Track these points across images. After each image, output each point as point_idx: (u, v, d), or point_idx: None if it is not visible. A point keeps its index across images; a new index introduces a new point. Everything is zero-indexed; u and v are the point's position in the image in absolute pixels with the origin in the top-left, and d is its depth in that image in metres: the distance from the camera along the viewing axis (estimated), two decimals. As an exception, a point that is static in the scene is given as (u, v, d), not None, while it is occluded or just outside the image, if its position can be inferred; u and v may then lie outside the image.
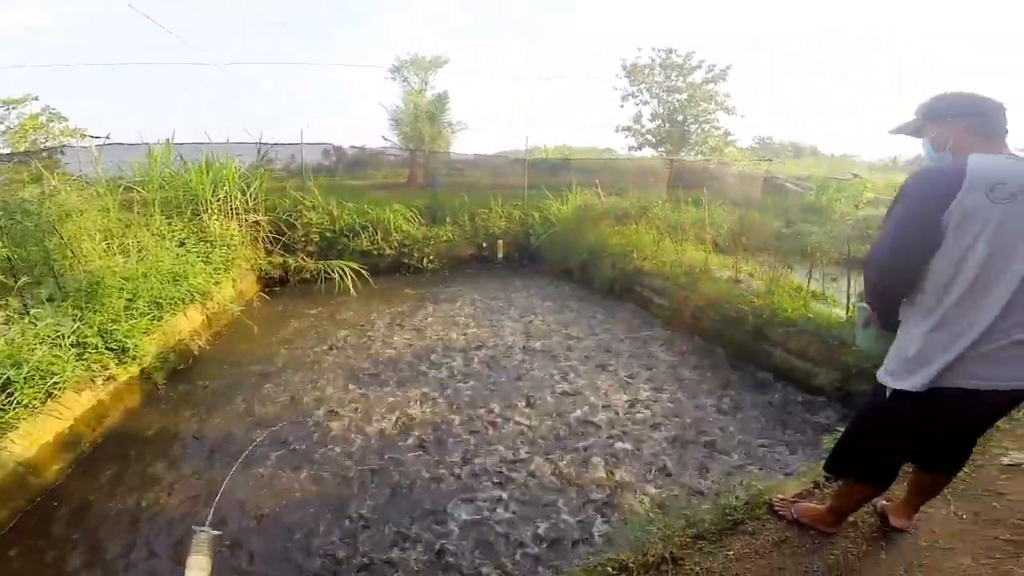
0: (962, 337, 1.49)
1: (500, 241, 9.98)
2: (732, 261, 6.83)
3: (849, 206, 12.65)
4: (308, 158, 10.46)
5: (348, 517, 3.13)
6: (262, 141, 9.50)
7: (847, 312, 4.92)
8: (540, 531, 3.00)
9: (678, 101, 23.52)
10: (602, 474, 3.49)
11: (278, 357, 5.70)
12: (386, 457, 3.75)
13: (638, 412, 4.35)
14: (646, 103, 24.08)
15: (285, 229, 8.71)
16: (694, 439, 3.92)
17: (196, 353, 5.70)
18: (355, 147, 12.77)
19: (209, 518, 2.29)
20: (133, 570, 2.81)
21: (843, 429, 2.09)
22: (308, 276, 8.38)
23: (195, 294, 6.28)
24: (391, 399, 4.64)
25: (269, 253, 8.47)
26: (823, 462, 2.36)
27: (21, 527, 3.12)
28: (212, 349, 5.97)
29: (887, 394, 1.70)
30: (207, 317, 6.41)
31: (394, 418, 4.29)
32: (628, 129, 24.73)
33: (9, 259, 5.06)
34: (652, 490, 3.31)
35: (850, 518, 2.22)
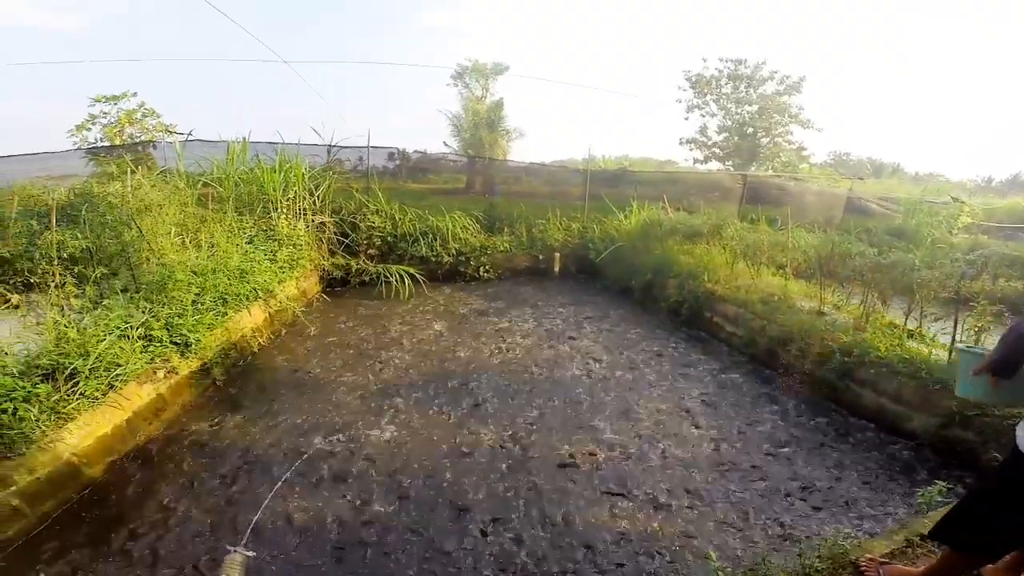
0: None
1: (557, 254, 9.71)
2: (816, 290, 6.25)
3: (943, 231, 11.51)
4: (374, 161, 10.61)
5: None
6: (332, 143, 9.71)
7: (950, 355, 4.38)
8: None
9: (748, 113, 22.54)
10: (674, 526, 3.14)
11: (334, 359, 5.69)
12: (426, 481, 3.56)
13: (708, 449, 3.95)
14: (713, 115, 23.24)
15: (349, 231, 8.85)
16: (776, 482, 3.49)
17: (256, 350, 5.79)
18: (418, 152, 12.92)
19: (245, 538, 2.16)
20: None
21: (960, 492, 1.87)
22: (368, 279, 8.44)
23: (259, 291, 6.40)
24: (442, 416, 4.46)
25: (332, 254, 8.62)
26: (916, 518, 2.37)
27: (64, 519, 3.13)
28: (272, 347, 6.05)
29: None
30: (269, 315, 6.52)
31: (454, 440, 4.11)
32: (693, 141, 23.91)
33: (90, 250, 5.32)
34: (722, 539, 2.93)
35: None
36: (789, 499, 3.41)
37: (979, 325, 4.46)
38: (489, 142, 18.90)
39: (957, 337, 4.48)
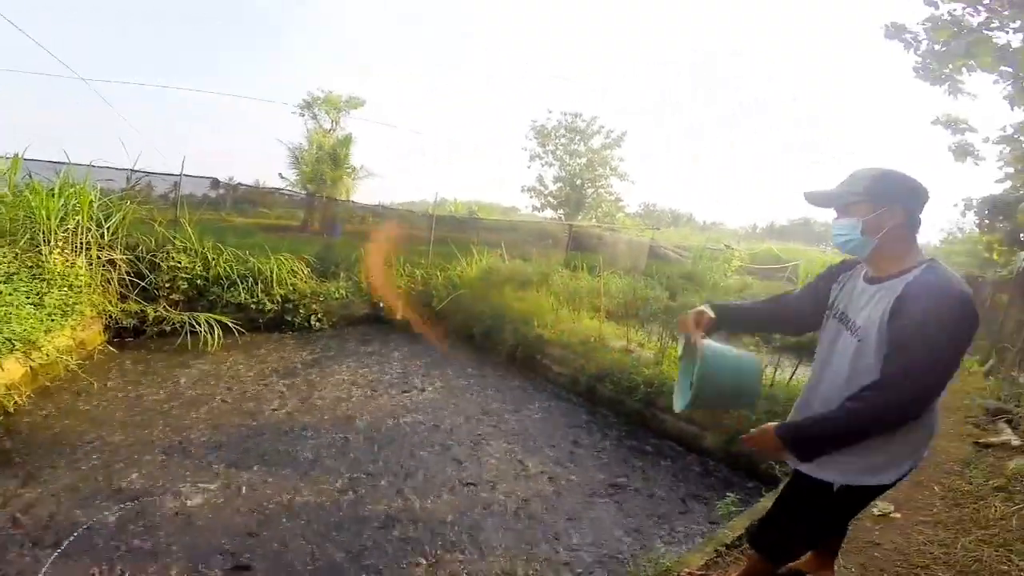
0: (933, 435, 1.63)
1: (399, 302, 9.48)
2: (625, 331, 7.19)
3: (720, 275, 14.26)
4: (194, 190, 9.43)
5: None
6: (135, 168, 8.41)
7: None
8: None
9: (578, 165, 25.26)
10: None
11: (113, 420, 4.78)
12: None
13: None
14: (551, 165, 25.59)
15: (147, 271, 7.56)
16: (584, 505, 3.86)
17: (11, 410, 4.63)
18: (244, 184, 11.88)
19: None
20: None
21: (769, 506, 2.11)
22: (169, 328, 7.25)
23: (16, 342, 5.16)
24: (251, 484, 4.02)
25: (124, 299, 7.26)
26: (722, 528, 2.60)
27: None
28: (36, 406, 4.89)
29: (836, 487, 1.63)
30: (31, 369, 5.28)
31: (252, 507, 3.70)
32: (532, 190, 25.97)
33: None
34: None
35: None
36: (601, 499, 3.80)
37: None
38: (332, 179, 18.17)
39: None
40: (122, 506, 3.49)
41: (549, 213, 25.03)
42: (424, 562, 3.24)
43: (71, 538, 3.00)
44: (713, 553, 2.70)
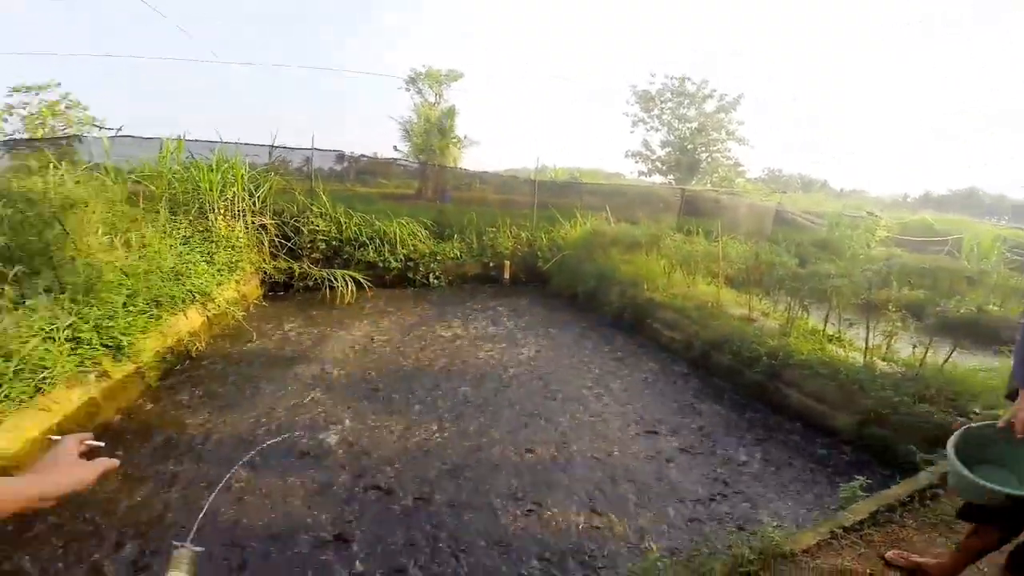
0: None
1: (507, 263, 9.85)
2: (746, 298, 6.72)
3: (862, 244, 12.65)
4: (321, 163, 10.38)
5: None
6: (275, 144, 9.43)
7: (864, 357, 4.85)
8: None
9: (689, 129, 23.68)
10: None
11: (275, 363, 5.54)
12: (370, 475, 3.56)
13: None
14: (657, 130, 24.24)
15: (292, 234, 8.58)
16: (708, 481, 3.75)
17: (194, 354, 5.56)
18: (365, 156, 12.75)
19: (192, 534, 2.09)
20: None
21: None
22: (312, 283, 8.21)
23: (196, 294, 6.13)
24: (385, 418, 4.46)
25: (274, 257, 8.33)
26: (844, 512, 2.52)
27: None
28: (210, 351, 5.81)
29: None
30: (207, 318, 6.25)
31: (395, 435, 4.11)
32: (638, 155, 24.84)
33: (8, 247, 4.93)
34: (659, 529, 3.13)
35: None
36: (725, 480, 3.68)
37: (889, 330, 5.00)
38: (440, 148, 18.86)
39: (869, 341, 4.96)
40: (284, 436, 4.09)
41: (657, 178, 23.86)
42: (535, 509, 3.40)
43: (248, 455, 3.58)
44: (827, 535, 2.57)
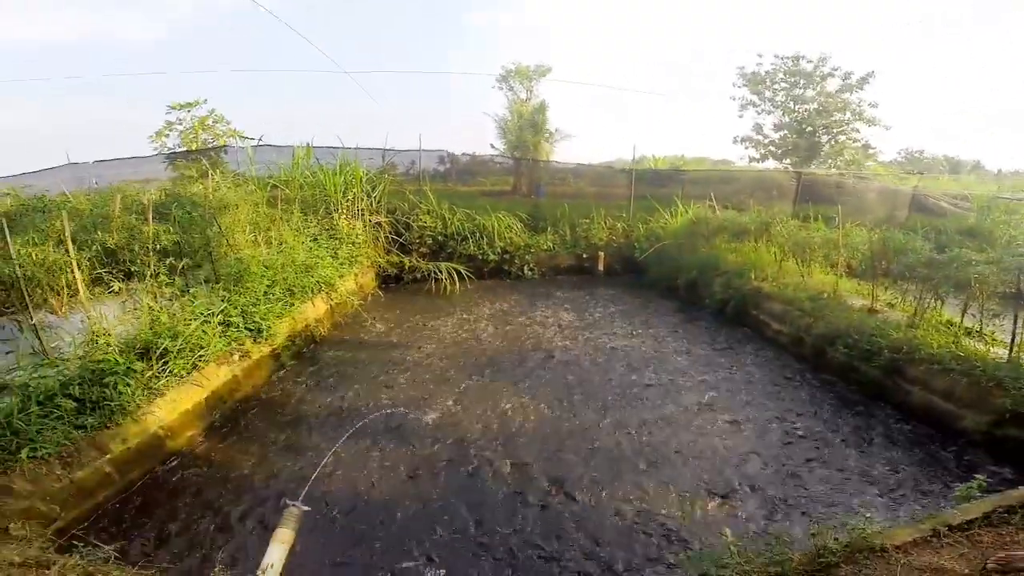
0: None
1: (601, 253, 9.82)
2: (869, 288, 6.08)
3: (1020, 231, 10.70)
4: (425, 164, 11.11)
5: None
6: (387, 147, 10.28)
7: (1010, 352, 4.22)
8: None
9: (806, 111, 21.61)
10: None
11: (385, 350, 6.11)
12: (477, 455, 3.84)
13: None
14: (769, 112, 22.39)
15: (403, 230, 9.35)
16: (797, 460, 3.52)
17: (319, 339, 6.31)
18: (466, 154, 13.37)
19: (303, 495, 2.45)
20: (230, 532, 3.14)
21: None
22: (420, 275, 8.91)
23: (322, 285, 6.94)
24: (493, 397, 4.75)
25: (387, 252, 9.14)
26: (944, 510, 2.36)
27: (147, 487, 3.52)
28: (333, 335, 6.56)
29: None
30: (331, 306, 7.04)
31: (498, 420, 4.39)
32: (748, 139, 23.16)
33: (179, 243, 5.99)
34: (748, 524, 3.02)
35: None
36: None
37: None
38: (533, 144, 19.11)
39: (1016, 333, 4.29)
40: (391, 411, 4.55)
41: (772, 163, 22.01)
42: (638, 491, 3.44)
43: (357, 424, 4.03)
44: (929, 532, 2.38)
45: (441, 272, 8.62)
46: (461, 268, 8.81)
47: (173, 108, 12.37)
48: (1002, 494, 2.68)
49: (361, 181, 9.06)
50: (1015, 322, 4.27)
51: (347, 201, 8.80)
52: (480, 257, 9.31)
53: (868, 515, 2.55)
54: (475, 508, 3.28)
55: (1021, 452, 3.59)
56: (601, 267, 9.79)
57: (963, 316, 5.05)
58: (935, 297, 5.32)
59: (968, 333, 4.91)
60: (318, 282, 6.86)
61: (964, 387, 4.14)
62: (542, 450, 3.93)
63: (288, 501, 2.42)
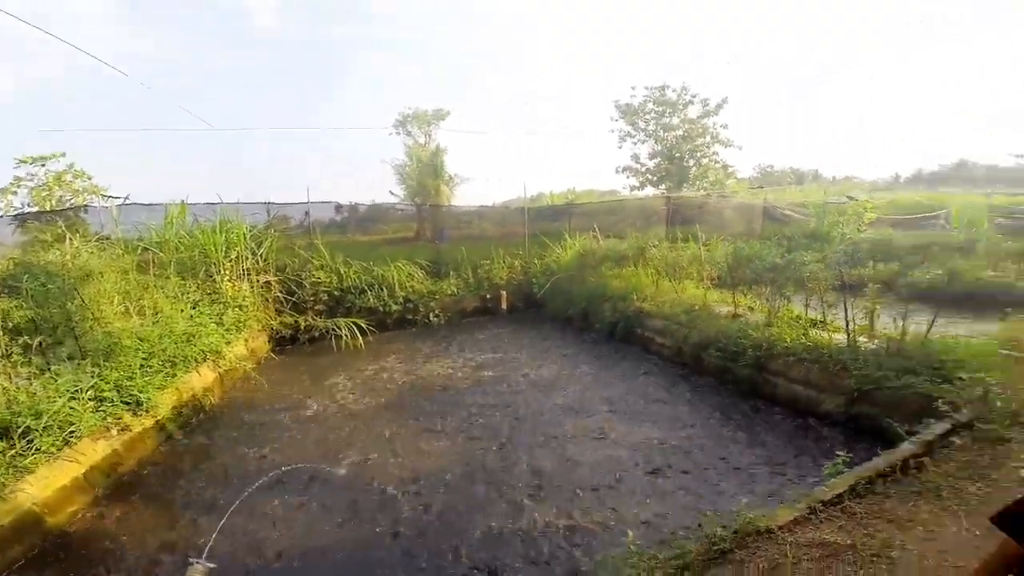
0: None
1: (503, 293, 10.10)
2: (731, 296, 6.91)
3: (852, 229, 12.71)
4: (318, 215, 10.80)
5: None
6: (271, 201, 9.90)
7: (848, 337, 4.93)
8: None
9: (674, 138, 24.01)
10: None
11: (284, 412, 5.83)
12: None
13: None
14: (643, 142, 24.64)
15: (295, 288, 8.95)
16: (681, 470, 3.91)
17: (208, 408, 5.89)
18: (361, 204, 13.29)
19: (205, 552, 2.35)
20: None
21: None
22: (317, 334, 8.55)
23: (208, 353, 6.49)
24: (403, 448, 4.70)
25: (279, 312, 8.68)
26: (820, 487, 2.56)
27: (32, 563, 3.32)
28: (224, 404, 6.15)
29: None
30: (219, 374, 6.59)
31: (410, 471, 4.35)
32: (628, 168, 25.25)
33: (33, 320, 5.38)
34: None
35: None
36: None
37: (869, 307, 5.14)
38: (433, 188, 19.41)
39: (850, 320, 5.07)
40: (287, 468, 4.36)
41: (650, 190, 24.18)
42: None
43: (257, 483, 3.84)
44: (805, 510, 2.64)
45: (340, 328, 8.35)
46: (362, 322, 8.57)
47: (23, 162, 10.53)
48: (862, 466, 3.06)
49: (245, 238, 8.63)
50: (846, 310, 5.08)
51: (230, 261, 8.33)
52: (382, 309, 9.14)
53: (745, 500, 2.88)
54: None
55: (872, 426, 4.18)
56: (504, 306, 10.05)
57: (806, 310, 5.89)
58: (782, 296, 6.19)
59: (814, 324, 5.72)
60: (202, 351, 6.41)
61: (816, 373, 4.83)
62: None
63: (192, 559, 2.33)
